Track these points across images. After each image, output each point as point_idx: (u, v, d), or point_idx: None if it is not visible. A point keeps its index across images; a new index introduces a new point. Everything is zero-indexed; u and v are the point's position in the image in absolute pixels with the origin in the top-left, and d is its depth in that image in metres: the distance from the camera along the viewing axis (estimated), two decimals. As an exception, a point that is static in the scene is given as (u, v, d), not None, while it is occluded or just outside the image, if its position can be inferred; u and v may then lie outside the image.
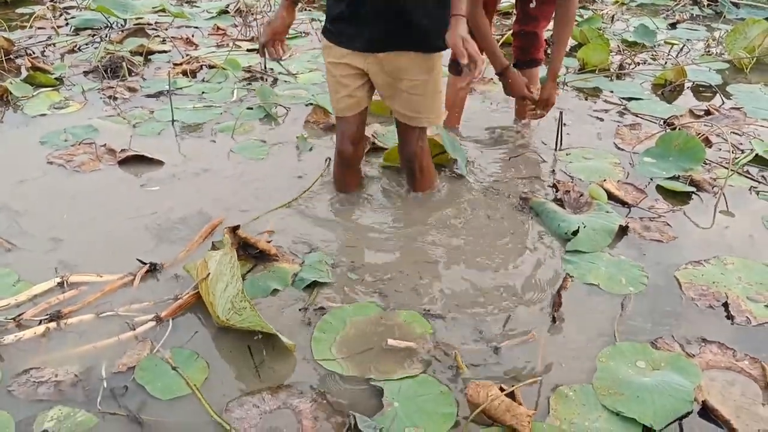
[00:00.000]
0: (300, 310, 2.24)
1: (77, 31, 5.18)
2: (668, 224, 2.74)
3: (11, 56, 4.41)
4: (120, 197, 2.89)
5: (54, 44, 4.78)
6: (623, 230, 2.66)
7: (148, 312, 2.20)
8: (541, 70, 3.54)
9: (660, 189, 3.01)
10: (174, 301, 2.26)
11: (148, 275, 2.40)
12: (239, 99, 3.93)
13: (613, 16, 5.99)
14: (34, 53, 4.57)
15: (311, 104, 3.76)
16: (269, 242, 2.53)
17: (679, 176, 3.10)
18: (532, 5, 3.20)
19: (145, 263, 2.41)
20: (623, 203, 2.88)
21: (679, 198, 2.95)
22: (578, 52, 4.54)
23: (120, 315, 2.19)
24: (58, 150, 3.27)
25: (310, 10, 6.03)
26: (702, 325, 2.19)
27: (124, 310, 2.22)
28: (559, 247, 2.59)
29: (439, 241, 2.61)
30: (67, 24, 5.35)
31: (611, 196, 2.90)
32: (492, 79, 4.24)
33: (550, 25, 3.26)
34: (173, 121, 3.60)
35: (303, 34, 5.24)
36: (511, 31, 3.59)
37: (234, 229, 2.39)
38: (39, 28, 5.17)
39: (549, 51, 3.43)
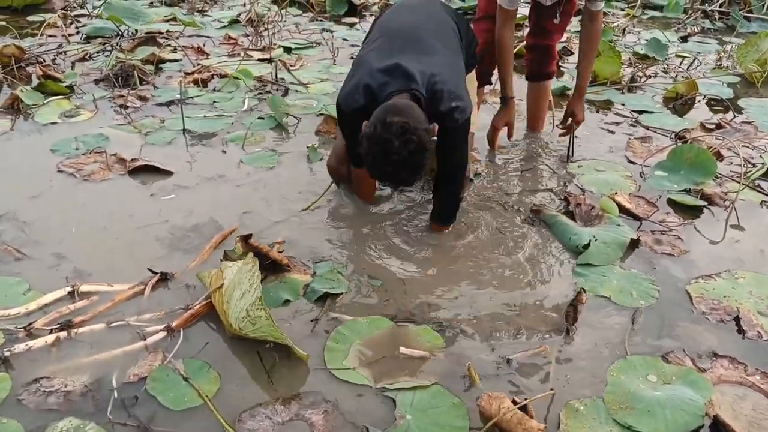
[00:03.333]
0: (312, 321, 2.23)
1: (88, 39, 5.20)
2: (679, 238, 2.73)
3: (22, 64, 4.42)
4: (130, 206, 2.89)
5: (65, 52, 4.80)
6: (634, 244, 2.65)
7: (159, 322, 2.20)
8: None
9: (671, 202, 3.00)
10: (185, 310, 2.25)
11: (159, 285, 2.40)
12: (250, 108, 3.94)
13: (624, 29, 5.99)
14: (45, 61, 4.59)
15: (322, 114, 3.76)
16: (281, 252, 2.53)
17: (690, 190, 3.09)
18: (557, 21, 3.19)
19: (156, 273, 2.41)
20: (634, 216, 2.86)
21: (691, 212, 2.94)
22: (589, 64, 4.53)
23: (131, 325, 2.19)
24: (68, 158, 3.28)
25: (321, 20, 6.04)
26: (713, 339, 2.18)
27: (134, 319, 2.21)
28: (571, 260, 2.58)
29: (451, 253, 2.60)
30: (77, 32, 5.38)
31: (622, 209, 2.89)
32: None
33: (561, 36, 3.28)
34: (184, 130, 3.61)
35: (314, 45, 5.24)
36: (523, 44, 3.59)
37: (246, 238, 2.39)
38: (50, 36, 5.19)
39: (562, 64, 3.43)
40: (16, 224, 2.72)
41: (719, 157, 3.40)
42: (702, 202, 2.98)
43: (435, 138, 2.23)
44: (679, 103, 4.21)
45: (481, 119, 3.41)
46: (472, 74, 2.83)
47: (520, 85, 3.98)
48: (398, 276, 2.46)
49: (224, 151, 3.42)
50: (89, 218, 2.79)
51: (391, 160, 2.12)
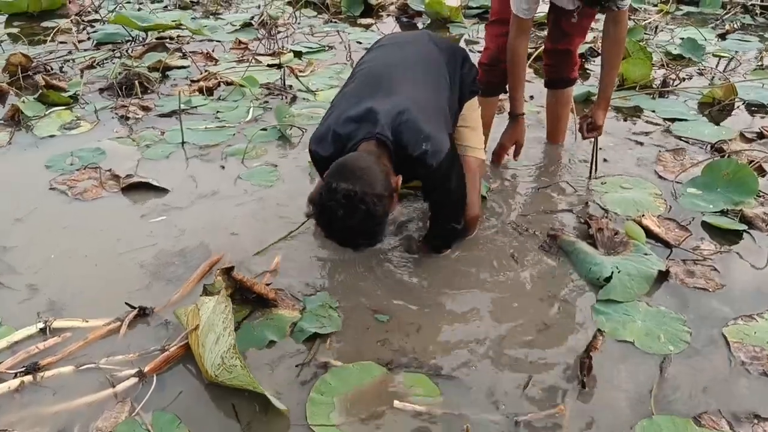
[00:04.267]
0: (297, 366, 2.02)
1: (98, 45, 5.07)
2: (715, 269, 2.44)
3: (29, 72, 4.30)
4: (118, 229, 2.72)
5: (73, 60, 4.67)
6: (663, 275, 2.38)
7: (132, 365, 2.02)
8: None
9: (706, 226, 2.71)
10: (161, 352, 2.07)
11: (137, 321, 2.22)
12: (254, 118, 3.75)
13: (656, 27, 5.63)
14: (52, 69, 4.47)
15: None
16: (269, 284, 2.32)
17: (727, 211, 2.79)
18: (574, 20, 2.91)
19: (134, 308, 2.23)
20: (664, 243, 2.59)
21: (728, 237, 2.64)
22: (618, 67, 4.22)
23: (101, 368, 2.01)
24: (62, 175, 3.13)
25: (335, 22, 5.82)
26: (754, 396, 1.89)
27: (105, 362, 2.03)
28: (591, 294, 2.33)
29: (456, 286, 2.37)
30: (88, 38, 5.25)
31: (650, 234, 2.61)
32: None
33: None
34: (183, 143, 3.43)
35: (327, 48, 5.02)
36: (543, 47, 3.32)
37: (228, 271, 2.19)
38: (61, 42, 5.07)
39: (587, 66, 3.14)
40: (-5, 250, 2.57)
41: (761, 172, 3.07)
42: (741, 226, 2.67)
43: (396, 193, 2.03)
44: (716, 109, 3.88)
45: (492, 133, 3.16)
46: (474, 101, 2.59)
47: (538, 91, 3.74)
48: (396, 313, 2.24)
49: (222, 167, 3.23)
50: (72, 243, 2.63)
51: (337, 229, 1.95)
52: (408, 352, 2.07)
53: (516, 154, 2.98)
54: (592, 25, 3.23)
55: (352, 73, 2.45)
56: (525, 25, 2.72)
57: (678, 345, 2.09)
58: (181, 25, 5.02)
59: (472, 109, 2.57)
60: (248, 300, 2.25)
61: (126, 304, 2.24)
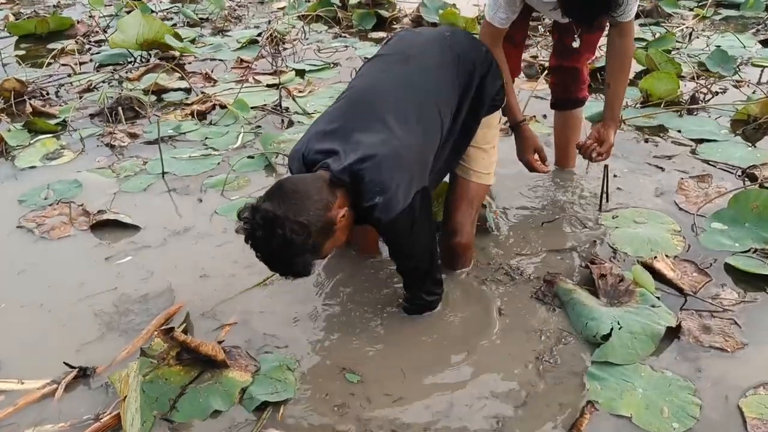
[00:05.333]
0: (240, 441, 1.78)
1: (100, 67, 4.95)
2: (736, 323, 2.11)
3: (24, 97, 4.19)
4: (80, 272, 2.54)
5: (71, 83, 4.55)
6: (674, 331, 2.05)
7: (61, 437, 1.81)
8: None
9: (729, 269, 2.36)
10: (95, 421, 1.86)
11: (78, 381, 2.03)
12: (243, 145, 3.53)
13: (690, 33, 5.22)
14: (47, 94, 4.35)
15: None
16: (221, 342, 2.09)
17: (756, 250, 2.44)
18: (575, 44, 2.62)
19: (73, 368, 2.03)
20: (678, 289, 2.26)
21: (754, 282, 2.29)
22: (641, 80, 3.87)
23: (27, 440, 1.81)
24: (33, 211, 2.97)
25: (345, 37, 5.58)
26: (774, 492, 1.57)
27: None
28: (587, 353, 2.02)
29: (431, 344, 2.09)
30: (91, 60, 5.14)
31: (663, 279, 2.29)
32: (534, 117, 3.65)
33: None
34: (164, 174, 3.24)
35: (331, 66, 4.79)
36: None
37: (168, 332, 1.96)
38: (63, 64, 4.97)
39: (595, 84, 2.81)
40: (-58, 298, 2.40)
41: (797, 203, 2.70)
42: (770, 269, 2.33)
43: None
44: (750, 128, 3.48)
45: (506, 155, 2.81)
46: (494, 117, 2.32)
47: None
48: (362, 373, 1.98)
49: (200, 200, 3.02)
50: (27, 289, 2.46)
51: (256, 251, 1.81)
52: (371, 424, 1.81)
53: (542, 161, 2.63)
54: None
55: (349, 85, 2.21)
56: (497, 34, 2.43)
57: (684, 421, 1.77)
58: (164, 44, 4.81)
59: (488, 126, 2.30)
60: (197, 360, 2.02)
61: (65, 363, 2.03)
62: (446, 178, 2.40)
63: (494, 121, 2.33)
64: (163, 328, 2.00)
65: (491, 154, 2.35)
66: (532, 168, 2.65)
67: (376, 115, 1.98)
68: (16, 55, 5.22)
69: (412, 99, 2.05)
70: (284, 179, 1.87)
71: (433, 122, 2.06)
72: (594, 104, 3.33)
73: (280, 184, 1.83)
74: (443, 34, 2.30)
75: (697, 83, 4.04)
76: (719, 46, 4.63)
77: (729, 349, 2.01)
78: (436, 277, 2.15)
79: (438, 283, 2.17)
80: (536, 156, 2.62)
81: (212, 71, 4.67)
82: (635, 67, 4.32)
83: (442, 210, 2.43)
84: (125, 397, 1.77)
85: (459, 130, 2.19)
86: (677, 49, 4.82)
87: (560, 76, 2.88)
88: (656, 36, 4.96)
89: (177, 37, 4.99)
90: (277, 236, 1.71)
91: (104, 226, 2.83)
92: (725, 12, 6.04)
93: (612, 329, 2.02)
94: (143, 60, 4.98)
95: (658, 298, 2.18)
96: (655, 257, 2.38)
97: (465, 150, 2.29)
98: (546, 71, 4.14)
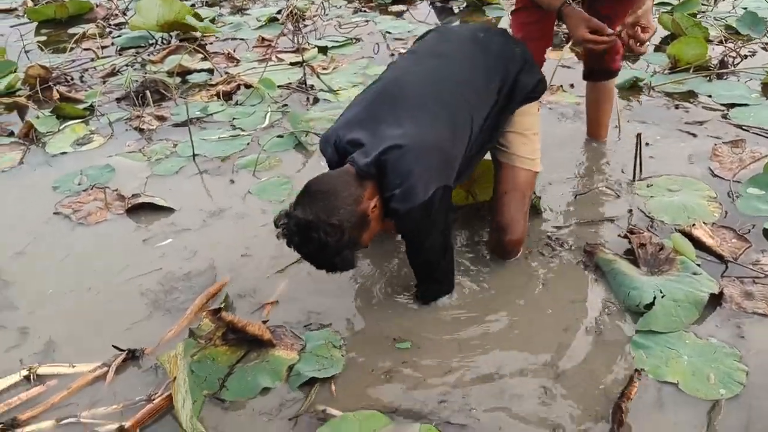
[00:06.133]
0: (290, 419, 1.81)
1: (122, 50, 4.96)
2: (779, 289, 2.10)
3: (49, 83, 4.21)
4: (120, 255, 2.58)
5: (94, 67, 4.56)
6: (716, 298, 2.05)
7: (116, 418, 1.86)
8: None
9: (769, 234, 2.36)
10: (147, 402, 1.90)
11: (127, 363, 2.07)
12: (271, 125, 3.54)
13: (716, -4, 5.12)
14: (72, 79, 4.37)
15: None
16: (265, 322, 2.12)
17: (794, 215, 2.43)
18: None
19: (122, 350, 2.07)
20: (718, 257, 2.25)
21: (795, 247, 2.29)
22: (669, 47, 3.81)
23: (82, 422, 1.86)
24: (68, 197, 3.00)
25: (365, 11, 5.54)
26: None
27: (88, 415, 1.88)
28: (630, 322, 2.03)
29: (477, 317, 2.11)
30: (112, 44, 5.14)
31: (702, 247, 2.28)
32: (561, 87, 3.62)
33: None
34: (194, 156, 3.26)
35: (353, 41, 4.76)
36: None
37: (216, 313, 1.99)
38: (85, 49, 4.98)
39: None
40: (-6, 284, 2.46)
41: (835, 165, 2.68)
42: (811, 233, 2.31)
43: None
44: (782, 90, 3.44)
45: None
46: (532, 106, 2.27)
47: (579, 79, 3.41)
48: (406, 349, 2.00)
49: (232, 181, 3.04)
50: (71, 275, 2.50)
51: (299, 253, 1.89)
52: (416, 398, 1.84)
53: (603, 32, 2.29)
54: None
55: (380, 76, 2.19)
56: None
57: (731, 387, 1.78)
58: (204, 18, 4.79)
59: (525, 113, 2.24)
60: (243, 339, 2.05)
61: (113, 347, 2.07)
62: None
63: (533, 110, 2.28)
64: (210, 309, 2.03)
65: (534, 140, 2.29)
66: (591, 43, 2.31)
67: (404, 109, 1.97)
68: (38, 42, 5.24)
69: (442, 96, 2.03)
70: (311, 181, 1.89)
71: (463, 121, 2.02)
72: (624, 72, 3.30)
73: (308, 187, 1.87)
74: (477, 34, 2.25)
75: (725, 47, 3.98)
76: (746, 8, 4.54)
77: (773, 315, 2.01)
78: (446, 268, 2.15)
79: (448, 274, 2.18)
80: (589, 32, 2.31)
81: (234, 51, 4.66)
82: (662, 32, 4.27)
83: (491, 191, 2.39)
84: (175, 377, 1.81)
85: (488, 127, 2.13)
86: (703, 12, 4.74)
87: None
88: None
89: (197, 17, 4.96)
90: (312, 241, 1.76)
91: (140, 209, 2.86)
92: (750, -29, 5.90)
93: (655, 298, 2.03)
94: (164, 42, 4.98)
95: (698, 265, 2.17)
96: (693, 225, 2.37)
97: (490, 146, 2.24)
98: (571, 40, 4.10)
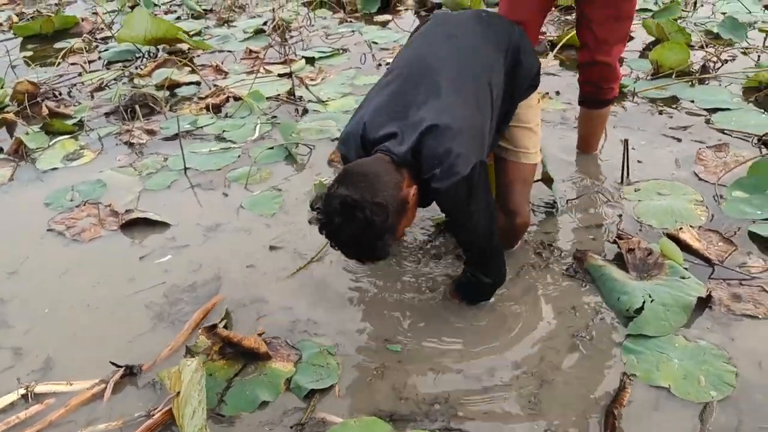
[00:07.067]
0: (292, 427, 1.84)
1: (109, 64, 4.96)
2: (765, 290, 2.15)
3: (37, 99, 4.21)
4: (116, 272, 2.58)
5: (82, 82, 4.57)
6: (704, 301, 2.10)
7: (115, 435, 1.86)
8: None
9: (754, 237, 2.40)
10: (147, 418, 1.91)
11: (125, 380, 2.07)
12: (261, 136, 3.56)
13: (695, 1, 5.20)
14: (60, 94, 4.37)
15: (337, 139, 3.33)
16: (261, 334, 2.14)
17: (778, 217, 2.48)
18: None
19: (119, 367, 2.08)
20: (705, 260, 2.30)
21: (780, 249, 2.34)
22: (651, 52, 3.87)
23: (81, 439, 1.86)
24: (61, 213, 3.01)
25: (351, 21, 5.58)
26: (815, 454, 1.62)
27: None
28: (621, 327, 2.07)
29: (466, 322, 2.14)
30: (99, 58, 5.15)
31: (690, 250, 2.33)
32: (547, 94, 3.67)
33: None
34: (185, 169, 3.27)
35: (340, 51, 4.79)
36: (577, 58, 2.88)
37: (211, 329, 2.01)
38: (72, 64, 4.98)
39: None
40: (-12, 305, 2.46)
41: (817, 167, 2.73)
42: (795, 235, 2.36)
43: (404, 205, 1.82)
44: (762, 94, 3.50)
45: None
46: (533, 97, 2.27)
47: (565, 84, 3.48)
48: (402, 356, 2.03)
49: (225, 194, 3.06)
50: (68, 291, 2.50)
51: (335, 237, 1.79)
52: (413, 400, 1.88)
53: None
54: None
55: (393, 62, 2.17)
56: None
57: (721, 389, 1.82)
58: (198, 33, 4.80)
59: (528, 106, 2.24)
60: (240, 353, 2.07)
61: (111, 363, 2.08)
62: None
63: (533, 102, 2.29)
64: (206, 325, 2.05)
65: (537, 132, 2.31)
66: None
67: (432, 88, 1.93)
68: (24, 57, 5.23)
69: (465, 73, 2.00)
70: (349, 165, 1.85)
71: (486, 97, 2.01)
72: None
73: (348, 169, 1.82)
74: (480, 14, 2.25)
75: (706, 52, 4.05)
76: (725, 13, 4.62)
77: (760, 316, 2.05)
78: (496, 259, 2.11)
79: (498, 269, 2.13)
80: None
81: (222, 63, 4.68)
82: (645, 38, 4.34)
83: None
84: (178, 392, 1.82)
85: (501, 108, 2.13)
86: (683, 17, 4.82)
87: (591, 72, 2.71)
88: (662, 5, 4.95)
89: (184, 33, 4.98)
90: (357, 220, 1.70)
91: (134, 225, 2.86)
92: (729, -25, 5.99)
93: (644, 302, 2.07)
94: (151, 55, 4.99)
95: (686, 269, 2.22)
96: (681, 228, 2.42)
97: (504, 127, 2.23)
98: (557, 47, 4.17)
